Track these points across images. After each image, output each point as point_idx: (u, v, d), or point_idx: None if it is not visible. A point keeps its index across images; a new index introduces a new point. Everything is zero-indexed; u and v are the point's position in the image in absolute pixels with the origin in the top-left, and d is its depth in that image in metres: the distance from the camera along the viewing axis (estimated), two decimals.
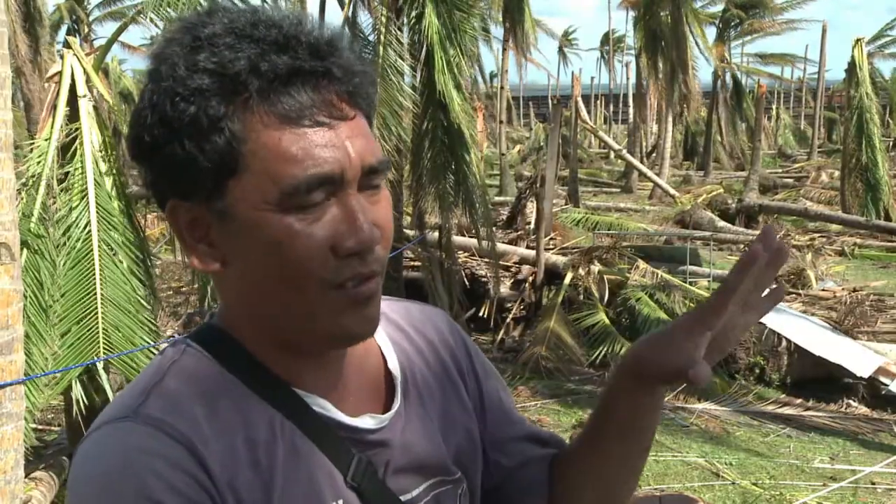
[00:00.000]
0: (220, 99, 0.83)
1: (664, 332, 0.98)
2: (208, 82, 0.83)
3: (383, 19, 7.88)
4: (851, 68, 17.08)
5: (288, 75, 0.84)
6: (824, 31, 29.61)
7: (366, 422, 0.95)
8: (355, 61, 0.89)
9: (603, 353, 7.79)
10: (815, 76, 34.16)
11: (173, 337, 7.13)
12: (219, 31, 0.85)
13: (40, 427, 6.48)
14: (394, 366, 1.02)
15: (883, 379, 6.94)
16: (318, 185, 0.84)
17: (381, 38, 7.75)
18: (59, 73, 5.03)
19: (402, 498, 0.96)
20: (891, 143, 22.67)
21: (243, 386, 0.90)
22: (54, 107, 4.96)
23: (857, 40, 17.06)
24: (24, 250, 4.54)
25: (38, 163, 4.80)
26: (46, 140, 4.86)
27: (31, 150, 4.96)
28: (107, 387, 4.43)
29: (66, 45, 5.16)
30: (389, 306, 1.04)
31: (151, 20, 4.69)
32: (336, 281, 0.86)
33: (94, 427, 0.88)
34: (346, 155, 0.85)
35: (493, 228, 9.68)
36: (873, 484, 5.49)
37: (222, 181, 0.85)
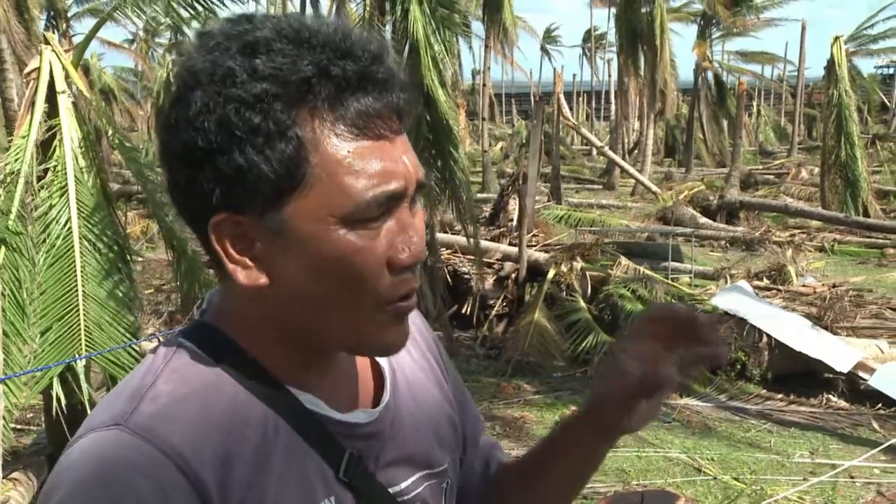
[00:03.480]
0: (286, 105, 0.81)
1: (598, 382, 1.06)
2: (273, 88, 0.80)
3: (367, 15, 7.87)
4: (830, 66, 17.20)
5: (358, 81, 0.82)
6: (804, 28, 29.82)
7: (357, 416, 0.95)
8: (405, 75, 0.88)
9: (585, 349, 7.81)
10: (795, 73, 34.38)
11: (155, 335, 7.09)
12: (270, 35, 0.82)
13: (19, 427, 6.42)
14: (381, 360, 1.02)
15: (862, 374, 7.00)
16: (387, 201, 0.83)
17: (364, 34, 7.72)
18: (38, 70, 4.98)
19: (392, 490, 0.97)
20: (869, 140, 22.84)
21: (236, 384, 0.89)
22: (32, 103, 4.92)
23: (836, 38, 17.18)
24: (2, 248, 4.50)
25: (17, 159, 4.76)
26: (24, 137, 4.82)
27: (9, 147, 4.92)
28: (84, 386, 4.38)
29: (45, 40, 5.11)
30: None
31: (128, 17, 4.65)
32: (391, 298, 0.86)
33: (82, 432, 0.86)
34: (406, 170, 0.85)
35: (477, 225, 9.68)
36: (852, 478, 5.54)
37: (284, 193, 0.82)
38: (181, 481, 0.81)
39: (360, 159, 0.82)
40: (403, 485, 0.98)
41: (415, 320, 1.12)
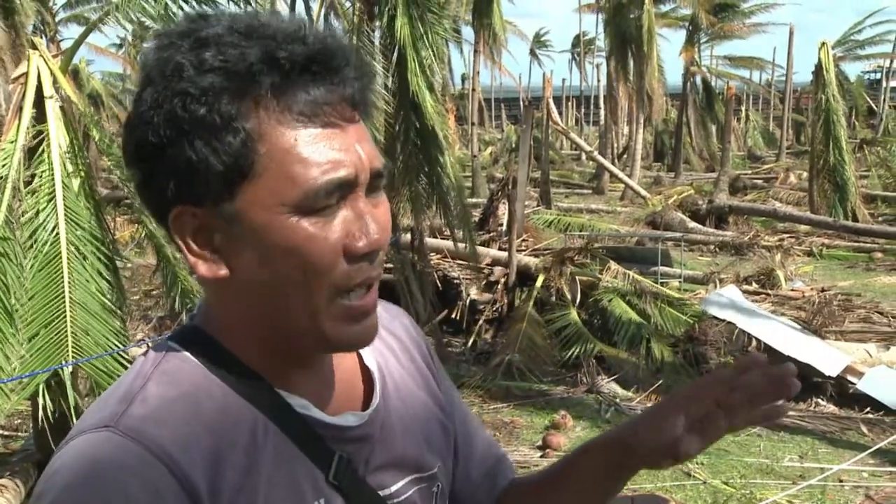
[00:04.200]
0: (232, 97, 0.81)
1: (646, 415, 1.01)
2: (219, 80, 0.81)
3: (355, 21, 7.87)
4: (818, 71, 17.29)
5: (305, 67, 0.82)
6: (791, 33, 29.96)
7: (347, 419, 0.95)
8: (361, 62, 0.88)
9: (575, 354, 7.82)
10: (783, 78, 34.54)
11: (143, 340, 7.06)
12: (221, 31, 0.83)
13: (6, 433, 6.38)
14: (370, 363, 1.02)
15: (850, 378, 7.03)
16: (336, 188, 0.83)
17: (354, 39, 7.73)
18: (25, 75, 4.95)
19: (382, 493, 0.97)
20: (857, 145, 22.97)
21: (227, 387, 0.89)
22: (20, 108, 4.89)
23: (823, 43, 17.27)
24: None
25: (4, 165, 4.73)
26: (12, 142, 4.79)
27: None
28: (70, 393, 4.35)
29: (32, 45, 5.09)
30: None
31: (118, 22, 4.63)
32: (347, 286, 0.86)
33: (73, 434, 0.85)
34: (358, 158, 0.85)
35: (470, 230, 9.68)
36: (841, 482, 5.56)
37: (235, 184, 0.83)
38: (171, 482, 0.81)
39: (308, 147, 0.82)
40: (393, 488, 0.98)
41: (405, 324, 1.13)
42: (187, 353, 0.90)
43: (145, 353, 0.93)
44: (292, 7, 9.29)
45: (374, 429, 0.97)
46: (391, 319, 1.12)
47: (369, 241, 0.85)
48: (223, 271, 0.86)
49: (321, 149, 0.83)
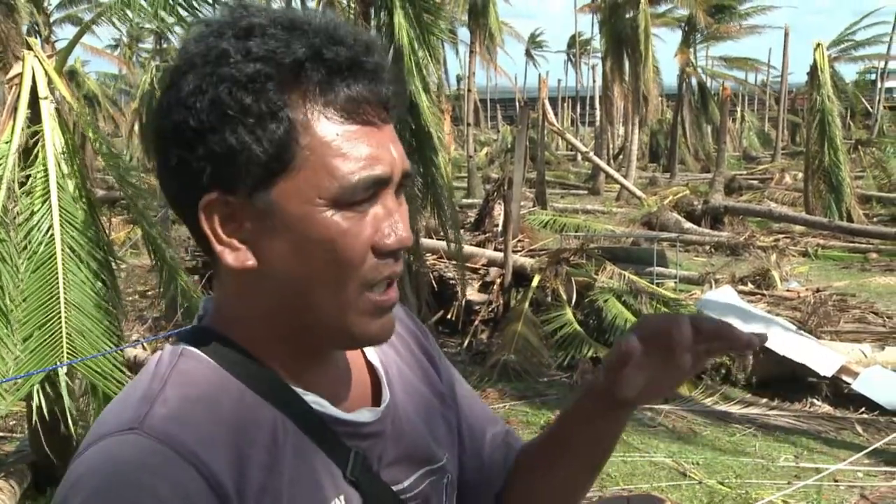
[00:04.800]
0: (278, 87, 0.82)
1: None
2: (266, 69, 0.82)
3: (352, 19, 7.86)
4: (813, 72, 17.32)
5: (349, 66, 0.84)
6: (786, 34, 30.01)
7: (362, 415, 0.95)
8: (394, 68, 0.91)
9: (571, 354, 7.82)
10: (779, 79, 34.59)
11: (139, 341, 7.04)
12: (265, 21, 0.84)
13: (1, 434, 6.37)
14: (374, 359, 1.03)
15: (845, 378, 7.04)
16: (373, 184, 0.85)
17: None
18: (20, 75, 4.94)
19: (395, 488, 0.97)
20: (852, 146, 23.01)
21: (244, 387, 0.88)
22: (14, 109, 4.88)
23: (818, 44, 17.30)
24: None
25: None
26: (7, 143, 4.78)
27: None
28: (64, 394, 4.35)
29: (27, 46, 5.07)
30: None
31: (113, 24, 4.62)
32: (374, 280, 0.87)
33: (94, 439, 0.84)
34: (392, 158, 0.87)
35: (462, 231, 9.68)
36: (836, 481, 5.57)
37: (274, 173, 0.83)
38: (201, 484, 0.80)
39: (348, 143, 0.84)
40: (405, 483, 0.98)
41: (400, 316, 1.12)
42: (202, 354, 0.90)
43: (158, 356, 0.92)
44: (288, 2, 9.28)
45: (386, 424, 0.97)
46: None
47: (398, 237, 0.87)
48: (251, 261, 0.86)
49: (360, 145, 0.84)
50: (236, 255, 0.86)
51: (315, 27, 0.84)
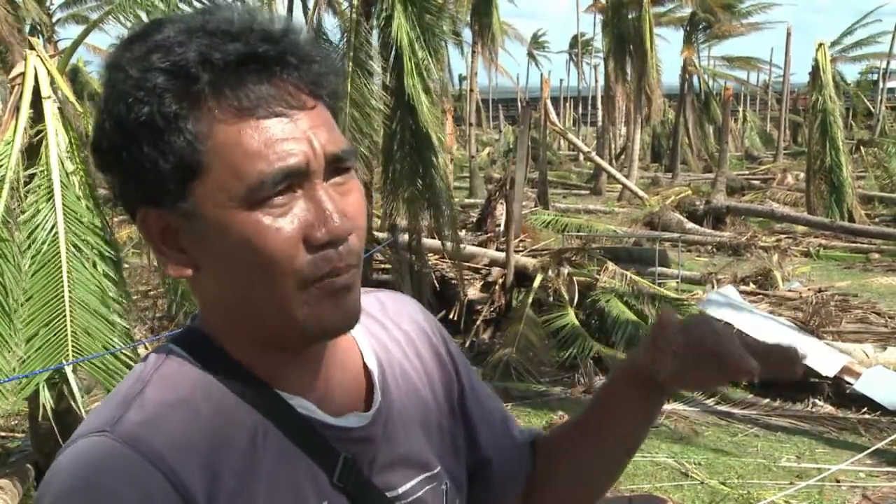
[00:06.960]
0: (174, 97, 0.82)
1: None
2: (161, 80, 0.81)
3: (353, 20, 7.87)
4: (815, 72, 17.31)
5: (239, 62, 0.82)
6: (788, 34, 30.00)
7: (350, 420, 0.94)
8: (312, 48, 0.87)
9: (573, 354, 7.82)
10: (781, 79, 34.57)
11: (142, 341, 7.05)
12: (171, 33, 0.83)
13: (3, 433, 6.38)
14: (370, 361, 1.01)
15: (847, 378, 7.04)
16: (283, 178, 0.82)
17: (352, 39, 7.73)
18: (22, 75, 4.95)
19: (390, 494, 0.96)
20: (854, 146, 23.00)
21: (226, 390, 0.88)
22: (17, 108, 4.89)
23: (820, 44, 17.29)
24: None
25: (1, 165, 4.73)
26: (9, 142, 4.79)
27: None
28: (75, 390, 4.35)
29: (29, 45, 5.08)
30: (363, 300, 1.05)
31: (120, 23, 4.63)
32: (313, 276, 0.85)
33: (73, 439, 0.85)
34: (309, 146, 0.84)
35: (463, 231, 9.68)
36: (838, 482, 5.57)
37: (185, 182, 0.83)
38: (167, 489, 0.80)
39: (250, 140, 0.82)
40: (402, 489, 0.97)
41: (411, 313, 1.11)
42: (187, 356, 0.90)
43: (145, 357, 0.93)
44: (289, 6, 9.29)
45: (377, 429, 0.96)
46: (399, 311, 1.10)
47: (328, 228, 0.84)
48: (188, 271, 0.87)
49: (265, 140, 0.82)
50: (173, 266, 0.87)
51: (212, 28, 0.83)
